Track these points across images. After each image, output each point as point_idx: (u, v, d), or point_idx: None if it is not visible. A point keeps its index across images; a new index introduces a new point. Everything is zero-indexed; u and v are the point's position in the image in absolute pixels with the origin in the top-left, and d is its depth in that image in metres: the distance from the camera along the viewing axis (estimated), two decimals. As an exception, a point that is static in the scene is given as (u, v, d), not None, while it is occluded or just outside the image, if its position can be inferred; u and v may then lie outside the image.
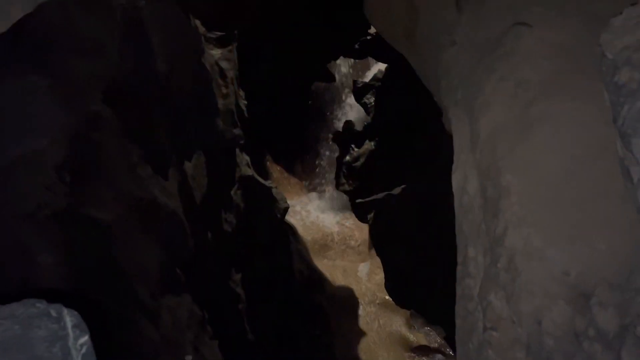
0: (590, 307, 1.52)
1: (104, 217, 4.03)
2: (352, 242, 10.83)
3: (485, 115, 1.94)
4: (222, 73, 6.26)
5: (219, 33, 6.41)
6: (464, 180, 2.05)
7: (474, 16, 2.38)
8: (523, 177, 1.76)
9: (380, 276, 9.33)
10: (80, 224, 3.87)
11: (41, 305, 1.17)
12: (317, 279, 9.64)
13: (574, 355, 1.53)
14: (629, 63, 1.28)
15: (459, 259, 2.16)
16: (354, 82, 9.56)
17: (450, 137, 2.69)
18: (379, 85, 8.88)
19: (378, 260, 8.83)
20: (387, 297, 9.07)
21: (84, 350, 1.12)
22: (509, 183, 1.77)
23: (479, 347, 1.92)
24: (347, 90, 11.36)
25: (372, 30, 8.63)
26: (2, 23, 2.19)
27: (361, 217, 8.59)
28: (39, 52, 3.71)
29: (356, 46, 9.34)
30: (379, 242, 8.29)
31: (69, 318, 1.19)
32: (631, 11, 1.41)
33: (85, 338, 1.15)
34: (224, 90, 6.25)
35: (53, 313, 1.16)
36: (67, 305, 1.42)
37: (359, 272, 10.42)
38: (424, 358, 9.09)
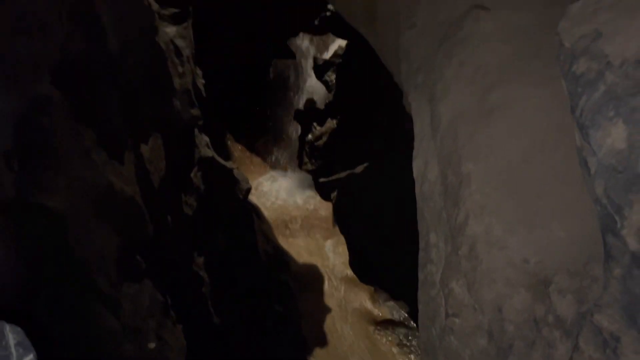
0: (550, 294, 1.53)
1: (56, 206, 3.88)
2: (316, 221, 10.85)
3: (446, 101, 1.91)
4: (178, 51, 6.05)
5: (174, 10, 6.18)
6: (425, 167, 2.03)
7: (434, -2, 2.35)
8: (483, 165, 1.75)
9: (344, 253, 9.40)
10: (32, 214, 3.71)
11: (-21, 323, 1.08)
12: (282, 258, 9.64)
13: (533, 342, 1.55)
14: (587, 53, 1.26)
15: (421, 245, 2.16)
16: (315, 59, 9.44)
17: (411, 117, 2.66)
18: (340, 62, 8.79)
19: (342, 237, 8.88)
20: (352, 273, 9.15)
21: (28, 370, 1.04)
22: (470, 171, 1.76)
23: (441, 333, 1.93)
24: (307, 67, 11.22)
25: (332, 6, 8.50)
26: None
27: (325, 196, 8.59)
28: (-22, 33, 3.48)
29: (316, 22, 9.19)
30: (343, 220, 8.33)
31: (12, 335, 1.10)
32: (589, -2, 1.40)
33: (29, 357, 1.07)
34: (180, 69, 6.05)
35: (-8, 331, 1.07)
36: (14, 317, 1.33)
37: (323, 250, 10.47)
38: (388, 331, 9.26)
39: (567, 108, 1.62)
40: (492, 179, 1.73)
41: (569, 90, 1.32)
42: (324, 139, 8.78)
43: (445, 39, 2.07)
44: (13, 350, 1.08)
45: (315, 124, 9.01)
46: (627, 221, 1.20)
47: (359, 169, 7.68)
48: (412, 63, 2.28)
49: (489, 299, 1.68)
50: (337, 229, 9.54)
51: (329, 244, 10.58)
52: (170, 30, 5.99)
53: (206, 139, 6.75)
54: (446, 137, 1.89)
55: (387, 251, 7.71)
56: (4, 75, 3.54)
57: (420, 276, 2.15)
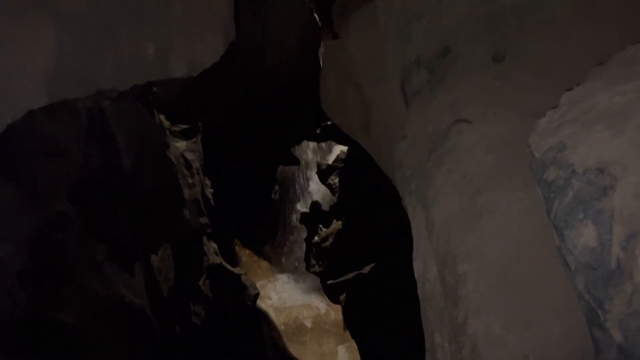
0: (551, 390, 1.57)
1: (67, 319, 3.92)
2: (327, 325, 10.62)
3: (438, 206, 2.06)
4: (188, 164, 6.36)
5: (184, 126, 6.58)
6: (424, 268, 2.13)
7: (421, 113, 2.59)
8: (477, 265, 1.85)
9: (356, 358, 9.10)
10: (42, 327, 3.76)
11: None
12: (292, 366, 9.33)
13: None
14: (555, 162, 1.42)
15: (427, 346, 2.20)
16: (318, 164, 9.82)
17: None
18: (342, 166, 9.13)
19: (354, 341, 8.65)
20: (365, 380, 8.79)
21: None
22: (465, 271, 1.86)
23: None
24: (311, 172, 11.61)
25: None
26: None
27: (333, 298, 8.51)
28: (3, 158, 3.75)
29: (318, 131, 9.70)
30: (353, 323, 8.18)
31: None
32: (553, 114, 1.59)
33: None
34: (190, 181, 6.32)
35: None
36: None
37: (335, 356, 10.14)
38: None
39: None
40: (487, 278, 1.82)
41: (543, 196, 1.46)
42: (330, 240, 8.86)
43: (434, 149, 2.27)
44: None
45: (321, 226, 9.14)
46: (610, 314, 1.28)
47: (367, 269, 7.69)
48: (405, 171, 2.47)
49: (495, 398, 1.71)
50: (348, 333, 9.32)
51: (340, 349, 10.27)
52: (181, 144, 6.34)
53: (214, 245, 6.87)
54: (440, 239, 2.01)
55: (401, 355, 7.49)
56: (23, 196, 3.75)
57: (428, 378, 2.17)
